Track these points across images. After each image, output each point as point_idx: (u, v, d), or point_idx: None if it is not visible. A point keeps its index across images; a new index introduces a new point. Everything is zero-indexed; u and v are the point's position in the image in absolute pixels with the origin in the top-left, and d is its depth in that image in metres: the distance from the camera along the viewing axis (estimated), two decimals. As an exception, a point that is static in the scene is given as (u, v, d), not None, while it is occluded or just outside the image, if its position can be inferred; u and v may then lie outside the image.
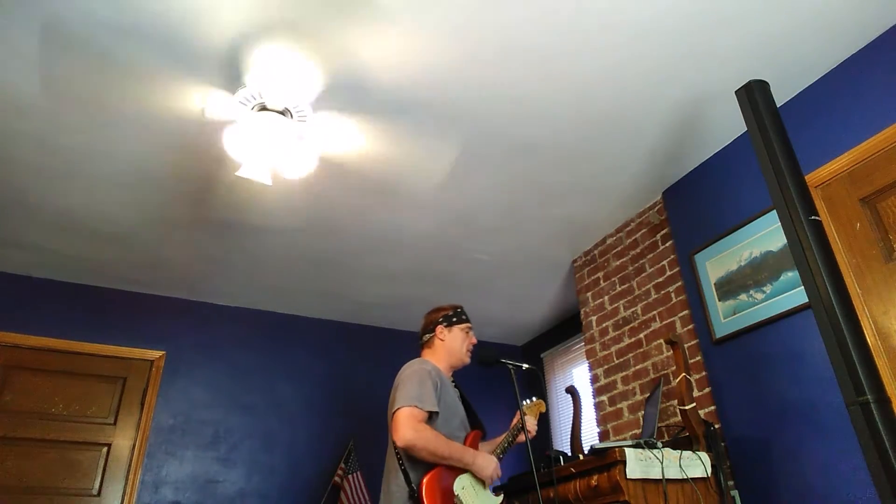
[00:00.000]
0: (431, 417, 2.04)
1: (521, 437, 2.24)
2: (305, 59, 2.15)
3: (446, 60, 2.19)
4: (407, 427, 1.94)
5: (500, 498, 2.13)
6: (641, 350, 3.03)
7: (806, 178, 1.68)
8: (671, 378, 2.77)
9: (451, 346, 2.31)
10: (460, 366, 2.34)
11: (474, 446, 2.14)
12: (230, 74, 2.22)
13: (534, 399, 2.43)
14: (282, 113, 2.26)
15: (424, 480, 1.92)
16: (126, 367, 3.71)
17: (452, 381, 2.30)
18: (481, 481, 2.07)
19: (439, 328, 2.34)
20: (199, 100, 2.33)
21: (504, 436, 2.28)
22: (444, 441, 1.99)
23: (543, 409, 2.43)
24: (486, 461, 2.06)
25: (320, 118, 2.41)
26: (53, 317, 3.63)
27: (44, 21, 1.97)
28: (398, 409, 1.98)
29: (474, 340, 2.39)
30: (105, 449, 3.50)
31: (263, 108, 2.26)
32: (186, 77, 2.23)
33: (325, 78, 2.24)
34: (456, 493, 1.96)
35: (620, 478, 1.98)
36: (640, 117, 2.54)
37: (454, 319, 2.36)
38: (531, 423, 2.27)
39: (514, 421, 2.30)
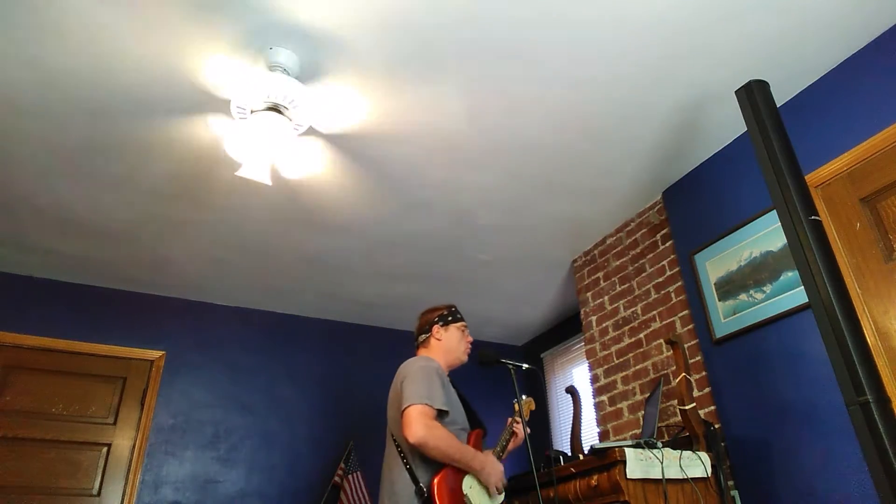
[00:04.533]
0: (440, 416, 2.01)
1: (513, 442, 2.22)
2: (251, 47, 2.13)
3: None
4: (419, 424, 1.90)
5: (503, 496, 2.11)
6: (641, 350, 3.03)
7: (806, 178, 1.69)
8: (671, 378, 2.77)
9: (448, 345, 2.29)
10: (458, 365, 2.32)
11: (477, 446, 2.12)
12: (221, 100, 2.33)
13: (524, 398, 2.35)
14: (274, 109, 2.24)
15: (436, 480, 1.90)
16: (126, 367, 3.71)
17: (451, 381, 2.29)
18: None
19: (436, 328, 2.31)
20: (203, 130, 2.49)
21: (499, 440, 2.23)
22: (456, 442, 1.96)
23: (533, 408, 2.38)
24: (494, 469, 2.03)
25: (308, 98, 2.25)
26: (53, 317, 3.62)
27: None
28: (409, 405, 1.94)
29: (470, 339, 2.37)
30: (105, 449, 3.49)
31: (254, 111, 2.26)
32: (184, 119, 2.43)
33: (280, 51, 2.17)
34: (465, 493, 1.95)
35: (620, 478, 1.98)
36: (639, 117, 2.54)
37: (450, 318, 2.34)
38: (522, 427, 2.23)
39: (508, 423, 2.26)
